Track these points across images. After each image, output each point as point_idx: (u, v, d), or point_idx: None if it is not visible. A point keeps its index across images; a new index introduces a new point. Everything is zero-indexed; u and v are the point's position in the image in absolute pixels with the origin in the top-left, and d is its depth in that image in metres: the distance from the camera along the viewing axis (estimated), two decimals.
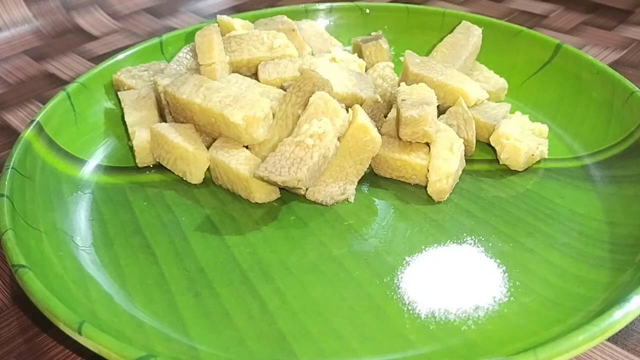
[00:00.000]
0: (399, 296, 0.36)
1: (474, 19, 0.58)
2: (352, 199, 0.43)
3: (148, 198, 0.44)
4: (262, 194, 0.43)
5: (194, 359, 0.32)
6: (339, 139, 0.42)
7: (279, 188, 0.43)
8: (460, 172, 0.44)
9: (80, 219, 0.42)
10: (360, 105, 0.45)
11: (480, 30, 0.55)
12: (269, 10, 0.61)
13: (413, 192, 0.44)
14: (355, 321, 0.34)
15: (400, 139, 0.44)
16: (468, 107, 0.47)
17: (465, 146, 0.45)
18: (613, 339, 0.34)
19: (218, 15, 0.55)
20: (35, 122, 0.46)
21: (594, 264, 0.37)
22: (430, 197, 0.43)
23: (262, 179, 0.40)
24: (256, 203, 0.43)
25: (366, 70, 0.52)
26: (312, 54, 0.53)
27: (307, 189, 0.43)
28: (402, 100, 0.44)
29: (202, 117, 0.44)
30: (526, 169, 0.45)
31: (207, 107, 0.43)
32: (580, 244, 0.38)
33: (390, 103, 0.49)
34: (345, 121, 0.42)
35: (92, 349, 0.30)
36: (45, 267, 0.36)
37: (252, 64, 0.49)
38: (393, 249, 0.39)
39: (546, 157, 0.46)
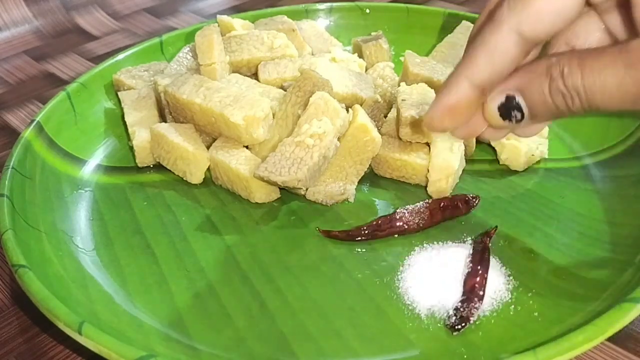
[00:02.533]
0: (399, 296, 0.36)
1: (474, 19, 0.58)
2: (352, 199, 0.43)
3: (148, 198, 0.44)
4: (262, 194, 0.43)
5: (194, 359, 0.32)
6: (339, 139, 0.42)
7: (279, 188, 0.43)
8: (460, 172, 0.44)
9: (80, 219, 0.42)
10: (360, 105, 0.45)
11: None
12: (269, 10, 0.61)
13: (413, 192, 0.44)
14: (355, 321, 0.34)
15: (400, 139, 0.44)
16: None
17: (465, 146, 0.45)
18: (613, 339, 0.34)
19: (218, 15, 0.55)
20: (35, 122, 0.46)
21: (594, 264, 0.37)
22: (430, 197, 0.43)
23: (262, 179, 0.40)
24: (256, 203, 0.43)
25: (366, 70, 0.52)
26: (312, 54, 0.53)
27: (307, 189, 0.43)
28: (402, 100, 0.44)
29: (202, 117, 0.44)
30: (526, 169, 0.45)
31: (207, 107, 0.43)
32: (580, 244, 0.38)
33: (390, 103, 0.49)
34: (345, 121, 0.42)
35: (92, 349, 0.30)
36: (45, 267, 0.36)
37: (252, 64, 0.49)
38: (393, 249, 0.39)
39: (546, 157, 0.46)
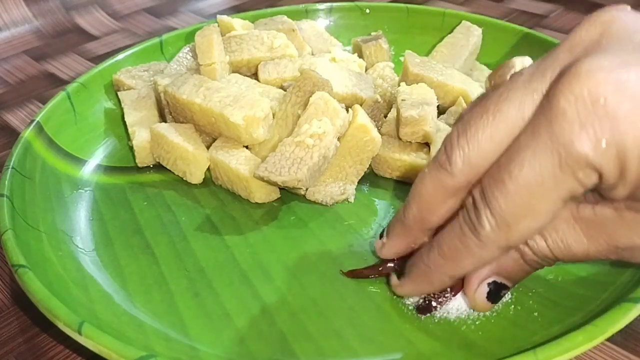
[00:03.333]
0: (399, 296, 0.36)
1: (474, 19, 0.58)
2: (352, 199, 0.43)
3: (148, 198, 0.44)
4: (262, 194, 0.43)
5: (194, 359, 0.32)
6: (338, 139, 0.42)
7: (279, 188, 0.43)
8: None
9: (80, 219, 0.42)
10: (360, 105, 0.45)
11: (480, 30, 0.55)
12: (269, 10, 0.61)
13: None
14: (355, 321, 0.34)
15: (400, 139, 0.44)
16: None
17: None
18: (613, 339, 0.34)
19: (218, 15, 0.55)
20: (35, 122, 0.46)
21: (594, 264, 0.37)
22: None
23: (262, 179, 0.40)
24: (256, 203, 0.43)
25: (366, 70, 0.52)
26: (312, 54, 0.53)
27: (307, 189, 0.43)
28: (402, 100, 0.44)
29: (202, 117, 0.44)
30: None
31: (207, 107, 0.43)
32: None
33: (390, 103, 0.49)
34: (345, 121, 0.42)
35: (92, 349, 0.30)
36: (45, 267, 0.36)
37: (252, 64, 0.49)
38: None
39: None
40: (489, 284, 0.31)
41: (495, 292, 0.32)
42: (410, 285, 0.33)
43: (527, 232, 0.27)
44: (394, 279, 0.34)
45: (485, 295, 0.32)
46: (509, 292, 0.34)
